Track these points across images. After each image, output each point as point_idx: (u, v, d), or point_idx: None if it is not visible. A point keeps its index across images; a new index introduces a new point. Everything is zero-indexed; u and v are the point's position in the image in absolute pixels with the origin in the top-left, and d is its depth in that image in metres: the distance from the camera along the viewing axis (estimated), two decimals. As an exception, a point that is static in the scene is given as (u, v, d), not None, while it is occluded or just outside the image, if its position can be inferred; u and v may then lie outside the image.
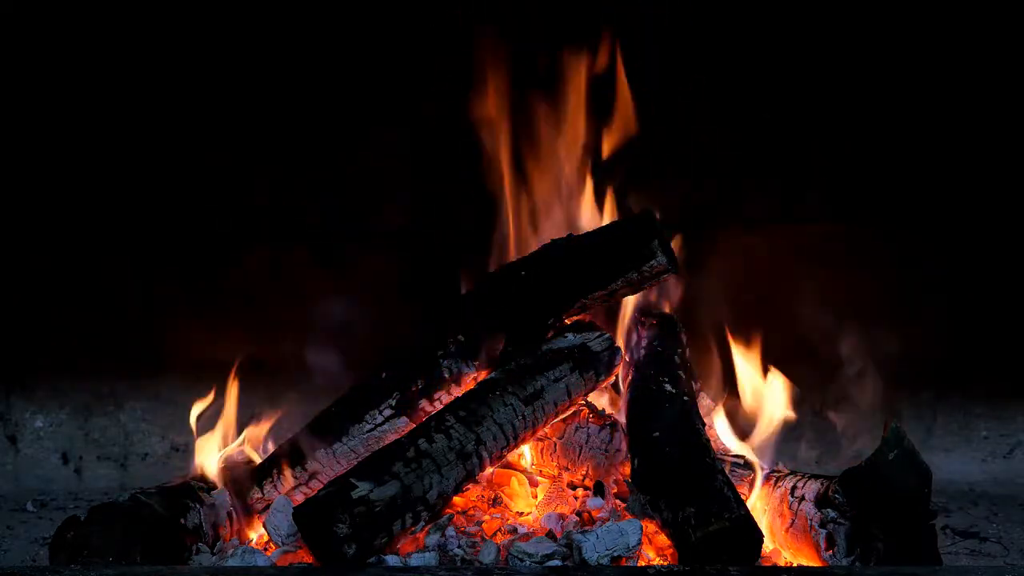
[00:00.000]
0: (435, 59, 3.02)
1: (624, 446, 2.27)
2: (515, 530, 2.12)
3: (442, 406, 2.25)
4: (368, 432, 2.27)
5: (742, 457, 2.30)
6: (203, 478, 2.27)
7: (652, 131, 2.70)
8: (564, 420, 2.33)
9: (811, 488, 2.05)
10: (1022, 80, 3.03)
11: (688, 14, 3.01)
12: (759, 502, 2.17)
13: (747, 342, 2.55)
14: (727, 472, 2.06)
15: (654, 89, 2.79)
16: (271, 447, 2.43)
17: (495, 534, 2.11)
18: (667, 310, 2.61)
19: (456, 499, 2.16)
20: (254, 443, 2.43)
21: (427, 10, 3.00)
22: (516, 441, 2.18)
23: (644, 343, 2.47)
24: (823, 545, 1.95)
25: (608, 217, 2.59)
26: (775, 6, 3.01)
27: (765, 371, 2.48)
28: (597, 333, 2.34)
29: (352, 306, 2.99)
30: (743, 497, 2.01)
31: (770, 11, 3.02)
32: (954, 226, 3.12)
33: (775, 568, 1.99)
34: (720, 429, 2.44)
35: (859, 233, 3.14)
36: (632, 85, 2.66)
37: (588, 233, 2.43)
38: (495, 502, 2.25)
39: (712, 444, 2.19)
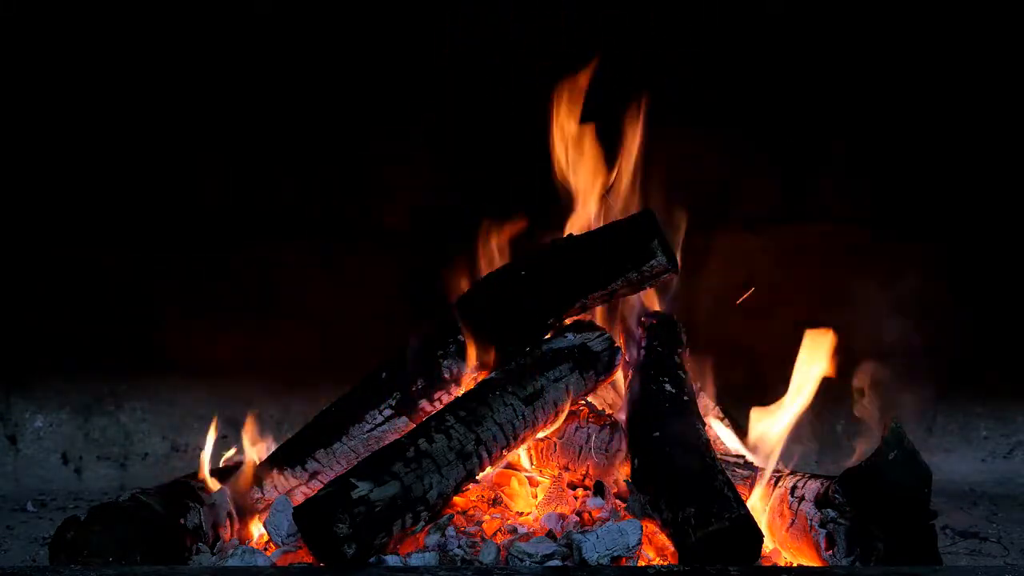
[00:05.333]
0: (436, 61, 3.03)
1: (624, 446, 2.27)
2: (515, 530, 2.12)
3: (442, 406, 2.25)
4: (368, 432, 2.27)
5: (742, 457, 2.30)
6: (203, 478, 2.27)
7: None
8: (564, 420, 2.33)
9: (811, 488, 2.05)
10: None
11: (691, 16, 3.02)
12: (759, 502, 2.16)
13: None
14: (727, 472, 2.06)
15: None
16: (271, 447, 2.42)
17: (495, 534, 2.11)
18: (667, 310, 2.61)
19: (456, 499, 2.16)
20: (254, 443, 2.43)
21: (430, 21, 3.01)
22: (516, 441, 2.18)
23: (644, 343, 2.47)
24: (823, 545, 1.95)
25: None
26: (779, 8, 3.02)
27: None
28: (597, 333, 2.34)
29: (352, 306, 3.00)
30: (743, 497, 2.01)
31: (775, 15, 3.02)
32: (955, 227, 3.12)
33: (775, 568, 1.98)
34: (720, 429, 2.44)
35: (860, 234, 3.14)
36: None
37: (588, 233, 2.43)
38: (495, 502, 2.25)
39: (712, 444, 2.19)
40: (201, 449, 2.33)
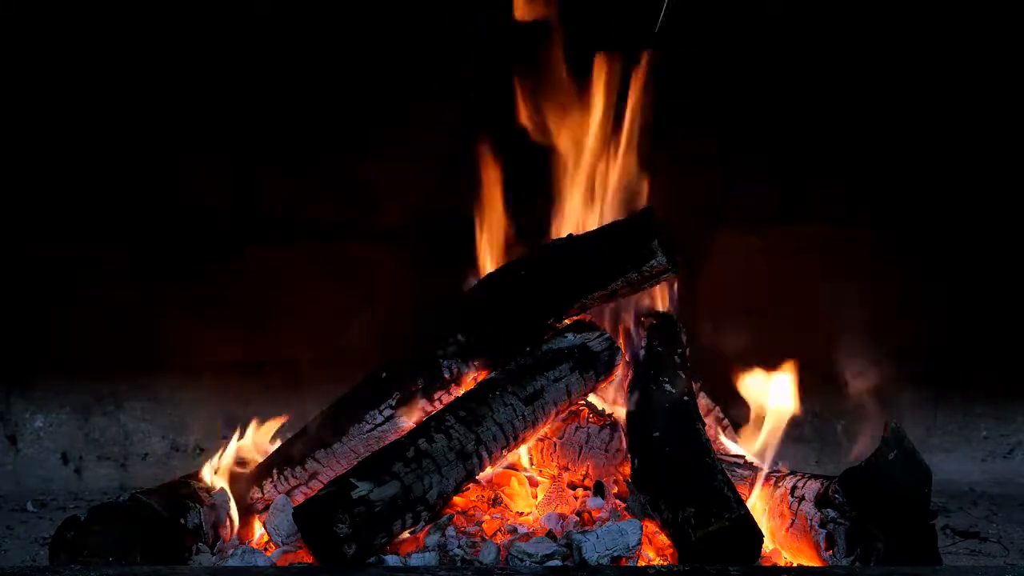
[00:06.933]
0: (435, 63, 3.02)
1: (624, 446, 2.27)
2: (515, 530, 2.12)
3: (442, 406, 2.25)
4: (368, 432, 2.27)
5: (742, 457, 2.30)
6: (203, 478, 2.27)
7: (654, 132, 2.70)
8: (564, 420, 2.33)
9: (811, 488, 2.05)
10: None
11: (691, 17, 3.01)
12: (759, 502, 2.17)
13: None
14: (727, 472, 2.06)
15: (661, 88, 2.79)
16: (272, 447, 2.42)
17: (495, 534, 2.11)
18: (667, 310, 2.61)
19: (456, 499, 2.16)
20: (254, 443, 2.43)
21: (429, 22, 3.01)
22: (516, 441, 2.18)
23: (644, 343, 2.47)
24: (823, 545, 1.95)
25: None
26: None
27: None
28: (597, 333, 2.34)
29: (352, 306, 3.00)
30: (743, 497, 2.01)
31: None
32: (954, 227, 3.12)
33: (775, 568, 1.98)
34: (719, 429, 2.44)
35: (859, 234, 3.14)
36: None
37: (588, 233, 2.43)
38: (495, 502, 2.25)
39: (712, 444, 2.19)
40: (203, 449, 2.33)
